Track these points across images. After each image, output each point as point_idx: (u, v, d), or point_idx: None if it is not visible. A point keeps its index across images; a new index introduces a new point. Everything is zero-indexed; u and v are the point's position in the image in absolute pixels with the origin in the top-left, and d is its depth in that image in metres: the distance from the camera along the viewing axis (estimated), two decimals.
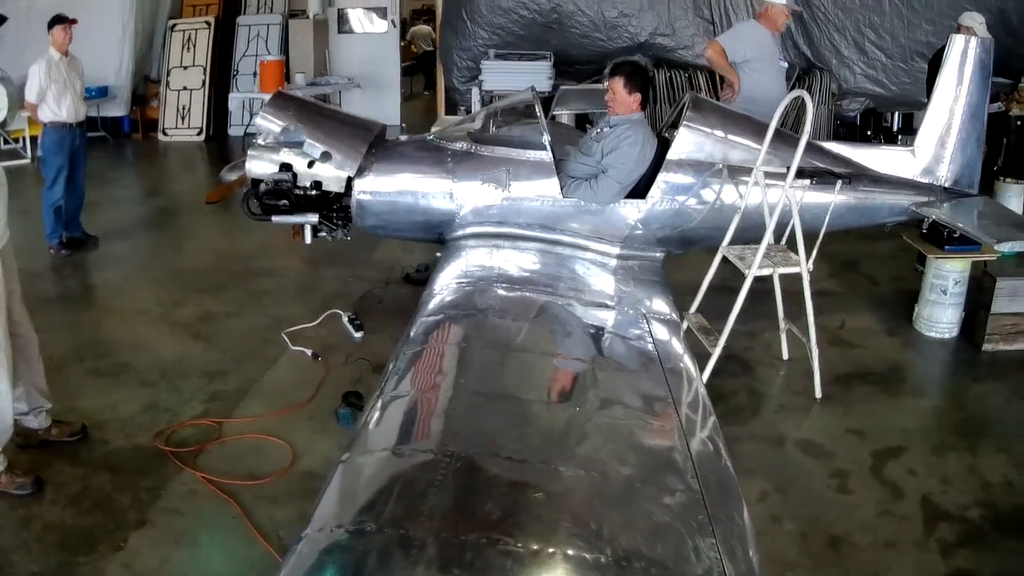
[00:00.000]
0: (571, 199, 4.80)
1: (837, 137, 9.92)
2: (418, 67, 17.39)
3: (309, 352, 5.09)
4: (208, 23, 11.59)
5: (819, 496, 3.83)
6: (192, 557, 3.36)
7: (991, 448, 4.24)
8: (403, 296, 6.16)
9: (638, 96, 4.79)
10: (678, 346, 3.73)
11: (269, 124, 4.85)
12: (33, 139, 9.69)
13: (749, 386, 4.86)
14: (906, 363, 5.28)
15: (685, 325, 4.42)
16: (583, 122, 8.19)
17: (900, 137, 9.92)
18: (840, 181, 4.67)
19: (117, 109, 11.34)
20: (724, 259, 4.89)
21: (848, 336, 5.50)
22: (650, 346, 3.63)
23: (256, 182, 4.91)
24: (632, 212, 4.84)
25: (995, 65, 5.44)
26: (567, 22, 10.80)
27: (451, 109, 11.57)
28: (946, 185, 5.34)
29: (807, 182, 4.62)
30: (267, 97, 10.42)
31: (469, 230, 4.87)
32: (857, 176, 5.00)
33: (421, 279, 6.41)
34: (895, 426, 4.46)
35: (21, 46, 8.97)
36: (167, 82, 11.58)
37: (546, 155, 4.79)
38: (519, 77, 10.27)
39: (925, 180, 5.33)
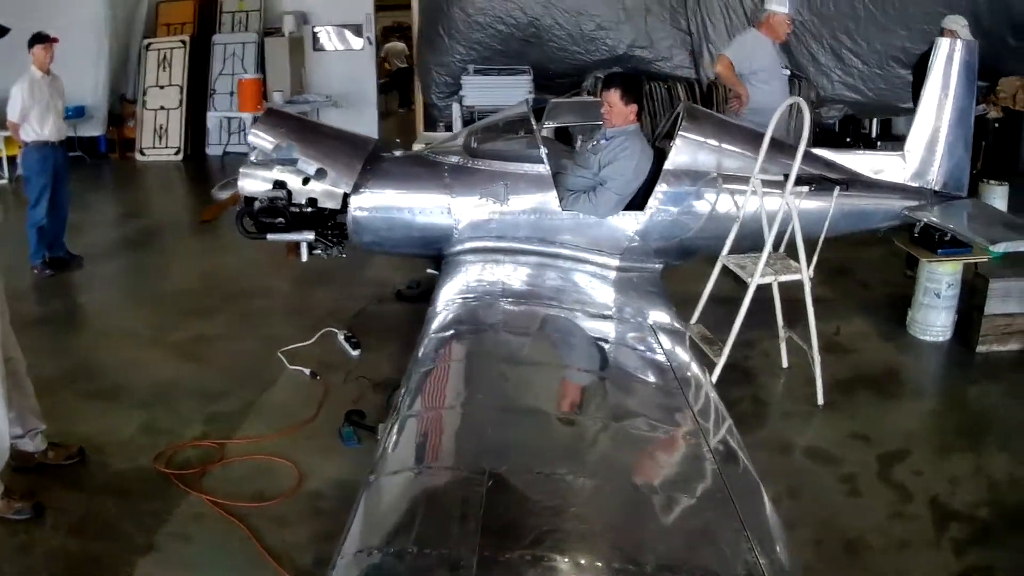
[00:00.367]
0: (570, 212, 4.79)
1: (818, 145, 10.01)
2: (392, 84, 17.38)
3: (307, 371, 5.02)
4: (183, 42, 11.51)
5: (831, 501, 3.84)
6: None
7: (993, 447, 4.29)
8: (397, 313, 6.13)
9: (635, 107, 4.81)
10: (686, 356, 3.73)
11: (262, 141, 4.80)
12: (11, 159, 9.54)
13: (752, 395, 4.86)
14: (903, 367, 5.32)
15: (688, 335, 4.42)
16: (564, 136, 8.21)
17: (879, 143, 10.05)
18: (838, 187, 4.70)
19: (94, 129, 11.24)
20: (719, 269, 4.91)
21: (844, 342, 5.53)
22: (661, 357, 3.63)
23: (249, 200, 4.86)
24: (631, 224, 4.85)
25: None
26: (545, 36, 10.85)
27: (430, 125, 11.57)
28: (936, 188, 5.40)
29: (806, 189, 4.65)
30: (246, 116, 10.49)
31: (468, 245, 4.85)
32: (853, 182, 5.03)
33: (413, 296, 6.39)
34: (898, 429, 4.49)
35: None
36: (143, 101, 11.48)
37: (544, 168, 4.79)
38: (500, 92, 10.33)
39: (915, 184, 5.40)
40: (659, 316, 4.21)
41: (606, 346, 3.85)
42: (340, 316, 5.89)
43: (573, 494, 2.36)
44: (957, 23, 6.76)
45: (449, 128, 10.88)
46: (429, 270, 6.76)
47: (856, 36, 10.05)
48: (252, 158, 4.92)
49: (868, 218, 5.29)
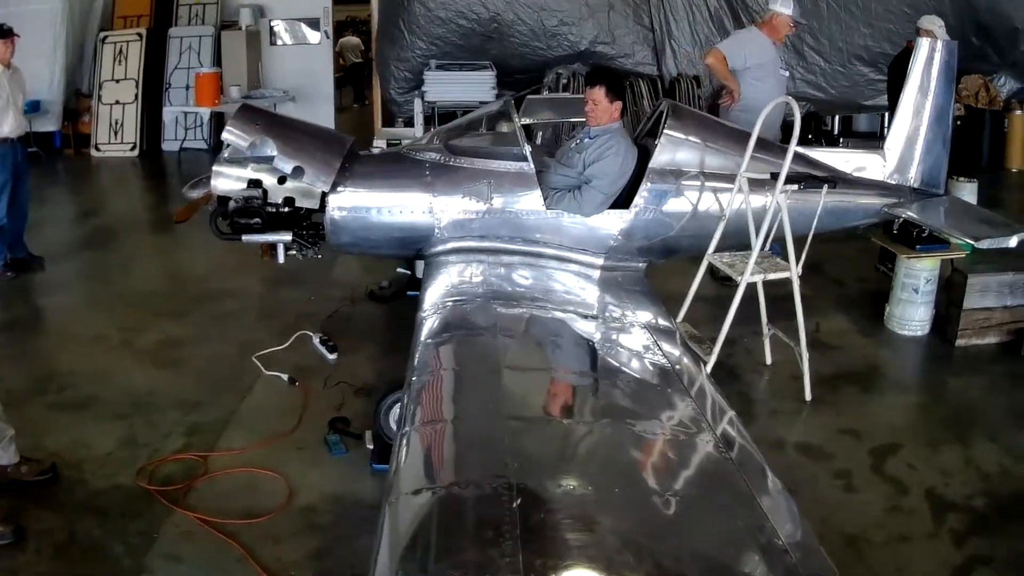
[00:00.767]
0: (554, 211, 4.71)
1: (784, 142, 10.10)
2: (347, 79, 17.12)
3: (285, 377, 4.87)
4: (139, 35, 11.14)
5: (828, 497, 3.84)
6: None
7: (981, 439, 4.33)
8: (371, 314, 6.01)
9: (619, 104, 4.75)
10: (683, 355, 3.68)
11: (236, 138, 4.61)
12: None
13: (738, 392, 4.84)
14: (884, 362, 5.36)
15: (678, 334, 4.38)
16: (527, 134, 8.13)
17: (841, 140, 10.18)
18: (826, 185, 4.70)
19: (49, 124, 10.84)
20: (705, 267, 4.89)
21: (825, 338, 5.55)
22: (660, 358, 3.57)
23: (223, 200, 4.68)
24: (616, 222, 4.78)
25: None
26: (506, 31, 10.76)
27: (389, 121, 11.41)
28: (914, 186, 5.44)
29: (795, 187, 4.63)
30: (203, 111, 10.22)
31: (450, 245, 4.73)
32: (840, 180, 5.03)
33: (386, 296, 6.27)
34: (886, 424, 4.51)
35: None
36: (99, 96, 11.10)
37: (527, 166, 4.69)
38: (462, 88, 10.23)
39: (894, 182, 5.43)
40: (650, 315, 4.16)
41: (605, 348, 3.77)
42: (313, 318, 5.74)
43: (603, 505, 2.29)
44: (933, 23, 6.83)
45: (408, 124, 10.74)
46: (399, 269, 6.66)
47: (819, 34, 10.15)
48: (224, 155, 4.74)
49: (849, 216, 5.30)
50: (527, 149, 4.71)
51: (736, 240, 4.91)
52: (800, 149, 5.32)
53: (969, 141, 9.79)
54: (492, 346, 3.57)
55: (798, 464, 4.10)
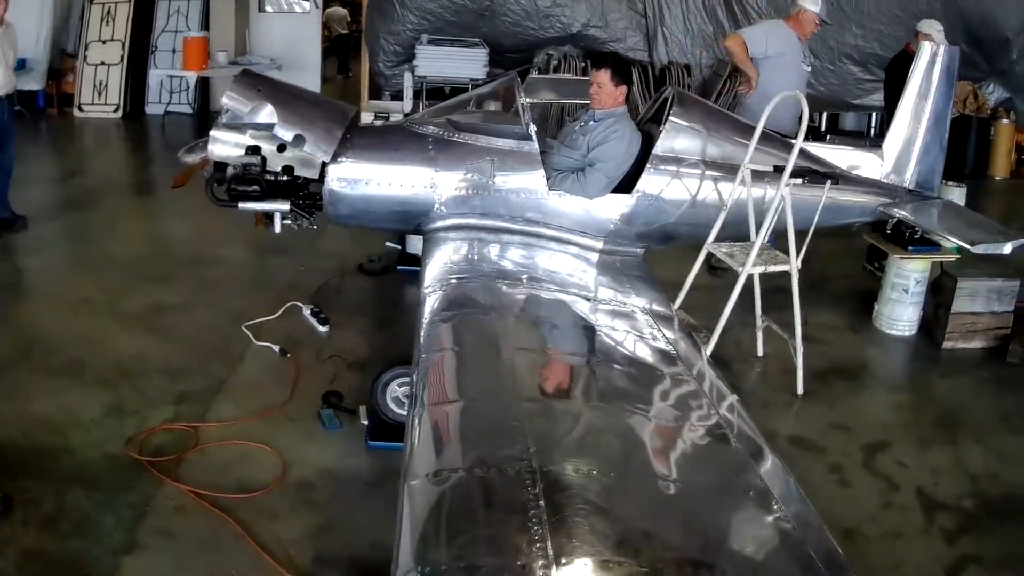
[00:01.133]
0: (556, 192, 4.67)
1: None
2: (332, 50, 16.89)
3: (276, 348, 4.80)
4: None
5: (822, 491, 3.85)
6: None
7: (969, 440, 4.39)
8: (361, 288, 5.95)
9: (624, 88, 4.72)
10: (684, 341, 3.68)
11: (236, 104, 4.49)
12: None
13: (730, 383, 4.77)
14: (873, 359, 5.42)
15: (677, 320, 4.38)
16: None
17: (828, 137, 10.25)
18: (829, 181, 4.71)
19: (33, 83, 10.57)
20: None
21: (813, 333, 5.56)
22: (664, 343, 3.57)
23: (219, 165, 4.58)
24: (617, 207, 4.75)
25: None
26: (499, 10, 10.67)
27: (375, 94, 11.27)
28: (910, 187, 5.48)
29: (799, 181, 4.64)
30: (190, 75, 10.01)
31: (450, 221, 4.67)
32: (840, 177, 5.05)
33: (376, 270, 6.22)
34: (876, 420, 4.57)
35: None
36: (84, 56, 10.82)
37: (532, 146, 4.64)
38: (454, 64, 10.15)
39: (891, 182, 5.46)
40: (650, 301, 4.15)
41: (609, 332, 3.75)
42: (302, 289, 5.67)
43: (622, 489, 2.27)
44: (932, 27, 6.86)
45: (396, 97, 10.64)
46: (388, 244, 6.59)
47: None
48: (223, 120, 4.62)
49: (846, 213, 5.34)
50: (532, 128, 4.66)
51: (734, 231, 4.92)
52: (803, 144, 5.36)
53: (955, 147, 9.87)
54: (499, 326, 3.54)
55: (792, 457, 4.10)
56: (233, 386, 4.39)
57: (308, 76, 11.93)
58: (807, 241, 4.73)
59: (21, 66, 10.03)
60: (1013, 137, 10.47)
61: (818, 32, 6.72)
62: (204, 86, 10.48)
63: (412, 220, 4.76)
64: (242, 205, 4.55)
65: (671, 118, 4.80)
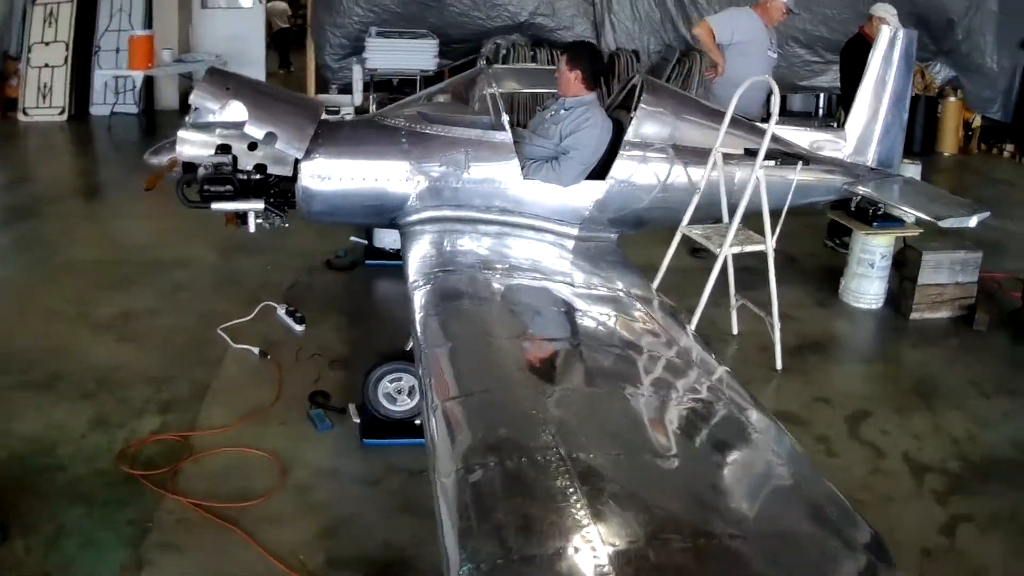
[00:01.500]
0: (531, 181, 4.68)
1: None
2: (272, 45, 16.59)
3: (256, 350, 4.71)
4: None
5: (812, 460, 3.89)
6: None
7: (946, 407, 4.53)
8: (331, 284, 5.89)
9: (579, 73, 4.70)
10: (670, 320, 3.72)
11: (205, 103, 4.40)
12: None
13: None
14: (844, 332, 5.56)
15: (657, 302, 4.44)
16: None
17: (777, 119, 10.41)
18: (800, 162, 4.80)
19: None
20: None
21: (784, 310, 5.60)
22: (654, 324, 3.62)
23: (188, 166, 4.48)
24: (591, 193, 4.78)
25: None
26: (446, 0, 10.63)
27: (322, 87, 11.13)
28: (872, 166, 5.62)
29: (773, 163, 4.72)
30: (136, 74, 9.75)
31: (426, 214, 4.65)
32: (812, 158, 5.15)
33: (344, 265, 6.15)
34: (855, 392, 4.69)
35: None
36: (28, 59, 10.44)
37: (506, 136, 4.65)
38: (405, 56, 10.11)
39: (853, 161, 5.60)
40: (631, 284, 4.19)
41: (601, 316, 3.76)
42: (272, 288, 5.58)
43: (658, 476, 2.31)
44: (887, 11, 7.00)
45: (344, 90, 10.53)
46: (353, 238, 6.52)
47: None
48: (190, 120, 4.52)
49: (811, 192, 5.44)
50: (505, 119, 4.66)
51: (704, 213, 5.00)
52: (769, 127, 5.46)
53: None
54: (493, 316, 3.53)
55: None
56: (217, 391, 4.30)
57: (253, 72, 11.62)
58: (781, 221, 4.81)
59: None
60: (960, 114, 10.80)
61: (786, 20, 6.83)
62: (149, 85, 10.21)
63: (387, 214, 4.72)
64: (215, 206, 4.45)
65: (642, 104, 4.84)
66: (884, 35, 5.60)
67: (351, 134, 4.71)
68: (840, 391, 4.66)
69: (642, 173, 4.84)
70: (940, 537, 3.46)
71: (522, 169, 4.65)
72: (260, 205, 4.54)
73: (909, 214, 5.33)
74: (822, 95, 11.59)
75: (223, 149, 4.44)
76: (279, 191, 4.66)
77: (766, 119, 6.28)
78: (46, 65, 10.32)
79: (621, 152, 4.77)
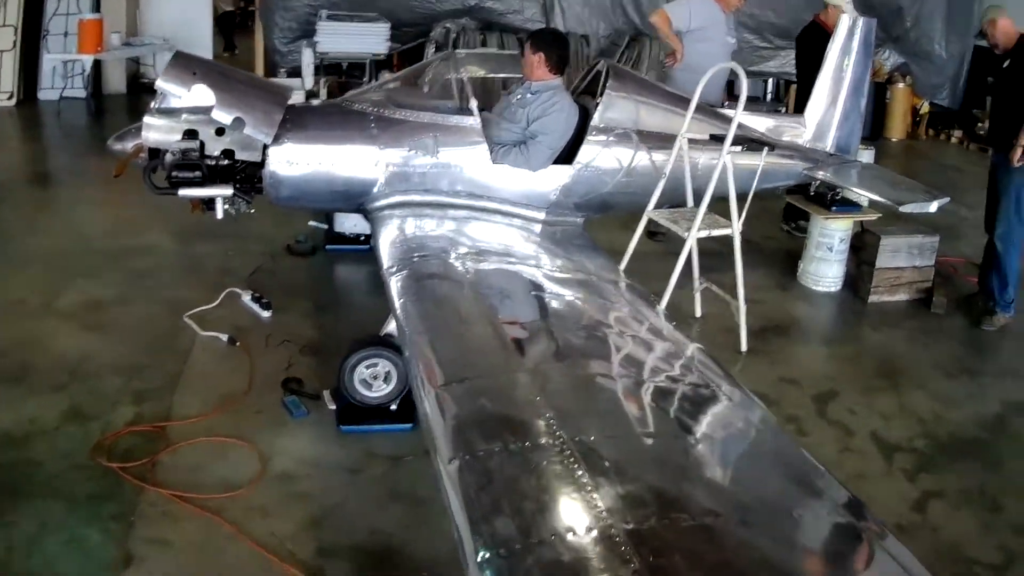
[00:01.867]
0: (498, 165, 4.69)
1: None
2: (217, 28, 16.24)
3: (224, 337, 4.65)
4: None
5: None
6: None
7: (910, 387, 4.69)
8: (294, 269, 5.84)
9: (542, 56, 4.71)
10: (640, 300, 3.79)
11: (172, 88, 4.31)
12: None
13: None
14: (805, 315, 5.70)
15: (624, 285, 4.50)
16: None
17: (726, 103, 10.54)
18: (766, 148, 4.89)
19: None
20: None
21: (745, 293, 5.76)
22: (626, 306, 3.71)
23: (154, 152, 4.38)
24: (558, 178, 4.81)
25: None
26: None
27: (270, 71, 10.94)
28: (830, 152, 5.76)
29: (739, 148, 4.79)
30: (86, 58, 9.46)
31: (395, 199, 4.64)
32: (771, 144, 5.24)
33: (305, 251, 6.09)
34: (820, 373, 4.81)
35: None
36: None
37: (475, 121, 4.65)
38: (356, 39, 9.97)
39: (812, 147, 5.73)
40: (608, 271, 4.26)
41: (579, 299, 3.80)
42: (235, 274, 5.52)
43: (662, 455, 2.37)
44: None
45: (293, 74, 10.36)
46: (312, 223, 6.45)
47: None
48: (155, 106, 4.42)
49: (772, 177, 5.55)
50: (474, 103, 4.66)
51: (670, 198, 5.08)
52: (731, 113, 5.53)
53: None
54: (473, 301, 3.56)
55: None
56: (189, 380, 4.24)
57: (200, 55, 11.47)
58: (747, 205, 4.91)
59: None
60: (908, 101, 11.05)
61: (743, 6, 6.91)
62: (96, 70, 9.93)
63: (355, 199, 4.70)
64: (182, 192, 4.38)
65: (608, 90, 4.87)
66: (844, 23, 5.73)
67: (319, 119, 4.67)
68: (806, 372, 4.78)
69: (608, 158, 4.89)
70: (913, 514, 3.58)
71: (491, 154, 4.66)
72: (228, 191, 4.47)
73: (868, 199, 5.46)
74: (770, 80, 11.75)
75: (190, 134, 4.36)
76: (246, 176, 4.61)
77: (724, 105, 6.44)
78: None
79: (588, 137, 4.81)
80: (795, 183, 5.76)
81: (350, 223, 6.10)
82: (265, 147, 4.43)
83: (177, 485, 3.38)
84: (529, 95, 4.76)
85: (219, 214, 4.55)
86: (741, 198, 4.93)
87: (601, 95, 4.90)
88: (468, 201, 4.69)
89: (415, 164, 4.60)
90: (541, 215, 4.82)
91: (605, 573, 1.80)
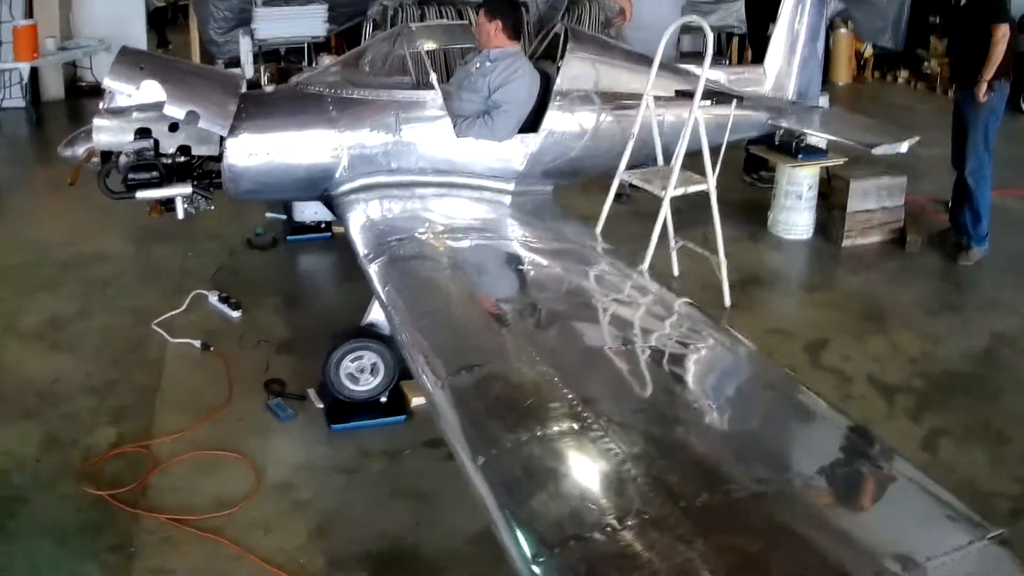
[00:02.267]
0: (464, 138, 4.55)
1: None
2: (149, 24, 15.76)
3: (197, 343, 4.46)
4: None
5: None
6: None
7: (897, 327, 4.70)
8: (256, 264, 5.63)
9: (498, 23, 4.58)
10: (624, 265, 3.72)
11: (120, 86, 4.09)
12: None
13: None
14: (781, 265, 5.68)
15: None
16: None
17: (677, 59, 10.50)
18: (735, 100, 4.82)
19: None
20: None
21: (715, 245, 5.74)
22: (613, 270, 3.65)
23: (106, 155, 4.16)
24: (526, 147, 4.69)
25: None
26: None
27: (208, 63, 10.62)
28: (793, 99, 5.71)
29: (709, 103, 4.72)
30: (23, 66, 9.05)
31: (360, 182, 4.48)
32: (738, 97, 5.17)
33: (266, 244, 5.89)
34: (806, 321, 4.80)
35: None
36: None
37: (435, 95, 4.50)
38: (295, 23, 9.77)
39: (774, 96, 5.68)
40: (579, 234, 4.19)
41: (566, 270, 3.72)
42: (198, 275, 5.30)
43: (675, 420, 2.35)
44: None
45: (231, 65, 10.06)
46: (269, 214, 6.24)
47: None
48: (103, 106, 4.19)
49: (738, 129, 5.45)
50: (433, 77, 4.50)
51: (638, 157, 5.00)
52: (692, 68, 5.45)
53: None
54: (465, 281, 3.44)
55: None
56: (166, 392, 4.05)
57: None
58: (720, 159, 4.85)
59: None
60: (852, 45, 11.07)
61: None
62: (33, 77, 9.54)
63: (319, 185, 4.52)
64: (140, 194, 4.17)
65: (569, 53, 4.75)
66: None
67: (275, 106, 4.47)
68: (793, 322, 4.77)
69: (575, 122, 4.79)
70: (924, 453, 3.59)
71: (454, 127, 4.52)
72: (188, 189, 4.27)
73: (835, 143, 5.44)
74: (711, 34, 11.71)
75: (143, 133, 4.14)
76: (203, 172, 4.41)
77: (676, 60, 6.36)
78: None
79: (552, 103, 4.69)
80: (760, 134, 5.71)
81: (310, 211, 5.90)
82: (222, 140, 4.23)
83: (172, 508, 3.22)
84: (488, 63, 4.61)
85: (180, 214, 4.34)
86: (714, 152, 4.86)
87: (562, 58, 4.78)
88: (435, 178, 4.55)
89: (377, 144, 4.43)
90: (510, 186, 4.70)
91: (664, 556, 1.73)
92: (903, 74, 11.02)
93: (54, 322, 4.71)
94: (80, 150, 4.17)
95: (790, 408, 2.52)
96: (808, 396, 2.46)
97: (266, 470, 3.46)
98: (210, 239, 5.84)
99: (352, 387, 3.83)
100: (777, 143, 5.78)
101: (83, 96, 10.04)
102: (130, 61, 4.14)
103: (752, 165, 7.02)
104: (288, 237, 5.98)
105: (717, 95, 4.86)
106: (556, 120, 4.70)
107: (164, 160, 4.18)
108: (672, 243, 5.27)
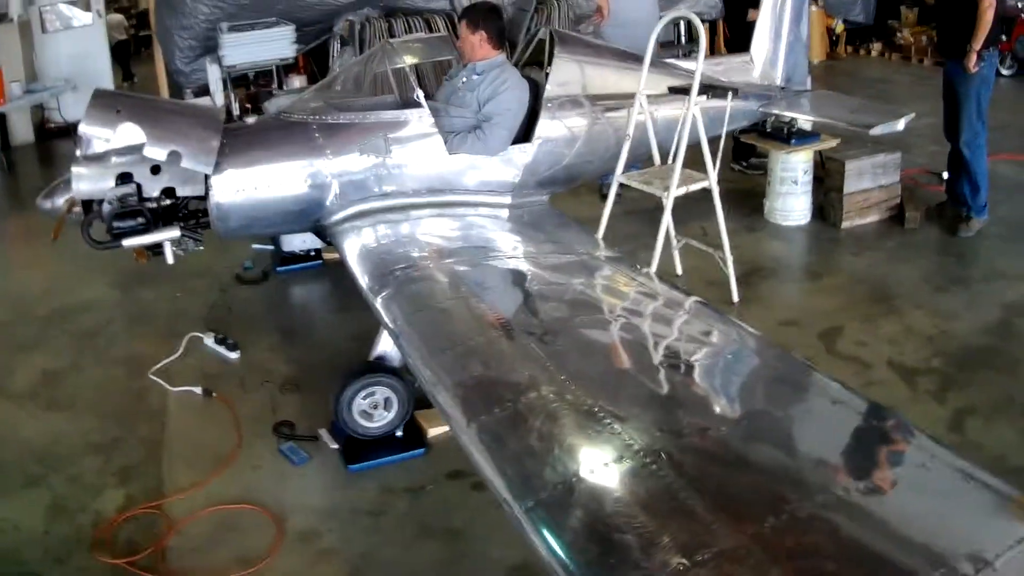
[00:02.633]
0: (457, 155, 4.43)
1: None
2: (113, 58, 15.55)
3: (198, 390, 4.31)
4: None
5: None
6: None
7: (908, 307, 4.63)
8: (248, 300, 5.47)
9: (483, 35, 4.48)
10: (628, 268, 3.66)
11: (97, 131, 3.92)
12: None
13: None
14: (783, 253, 5.61)
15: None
16: None
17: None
18: (731, 93, 4.74)
19: None
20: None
21: (715, 239, 5.62)
22: (619, 275, 3.57)
23: (88, 204, 4.01)
24: (519, 157, 4.57)
25: None
26: None
27: (176, 93, 10.45)
28: (782, 85, 5.63)
29: (704, 97, 4.63)
30: None
31: (353, 209, 4.34)
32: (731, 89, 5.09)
33: (255, 278, 5.73)
34: (818, 309, 4.71)
35: None
36: None
37: (423, 112, 4.37)
38: (263, 47, 9.58)
39: (764, 83, 5.60)
40: (582, 242, 4.08)
41: (577, 281, 3.61)
42: (190, 316, 5.14)
43: (706, 424, 2.32)
44: None
45: (200, 94, 9.91)
46: (255, 246, 6.09)
47: None
48: (80, 153, 4.03)
49: (732, 120, 5.34)
50: (419, 93, 4.37)
51: (631, 157, 4.89)
52: (680, 63, 5.37)
53: None
54: (480, 309, 3.28)
55: None
56: (172, 445, 3.90)
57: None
58: (720, 154, 4.76)
59: None
60: (822, 22, 11.07)
61: None
62: (1, 122, 9.39)
63: (310, 217, 4.38)
64: (127, 242, 4.01)
65: (556, 58, 4.64)
66: None
67: (259, 138, 4.32)
68: (803, 311, 4.70)
69: (568, 128, 4.67)
70: (952, 434, 3.52)
71: (445, 144, 4.40)
72: (176, 233, 4.12)
73: (831, 126, 5.37)
74: (682, 23, 11.67)
75: (124, 178, 3.98)
76: (188, 213, 4.27)
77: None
78: None
79: (543, 110, 4.57)
80: (750, 123, 5.63)
81: (299, 240, 5.74)
82: (207, 178, 4.08)
83: (194, 570, 3.08)
84: (475, 76, 4.50)
85: (169, 259, 4.19)
86: (712, 145, 4.78)
87: (550, 64, 4.68)
88: (430, 198, 4.41)
89: (368, 168, 4.29)
90: (507, 199, 4.58)
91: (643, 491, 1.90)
92: (876, 46, 11.03)
93: (46, 380, 4.53)
94: (60, 201, 4.00)
95: (827, 410, 2.44)
96: (842, 392, 2.40)
97: (286, 519, 3.32)
98: (198, 277, 5.66)
99: (367, 424, 3.70)
100: (769, 130, 5.70)
101: (53, 138, 9.88)
102: (105, 104, 3.97)
103: (740, 153, 6.96)
104: (277, 268, 5.83)
105: (712, 88, 4.77)
106: (549, 127, 4.58)
107: (149, 204, 4.03)
108: (674, 242, 5.18)
